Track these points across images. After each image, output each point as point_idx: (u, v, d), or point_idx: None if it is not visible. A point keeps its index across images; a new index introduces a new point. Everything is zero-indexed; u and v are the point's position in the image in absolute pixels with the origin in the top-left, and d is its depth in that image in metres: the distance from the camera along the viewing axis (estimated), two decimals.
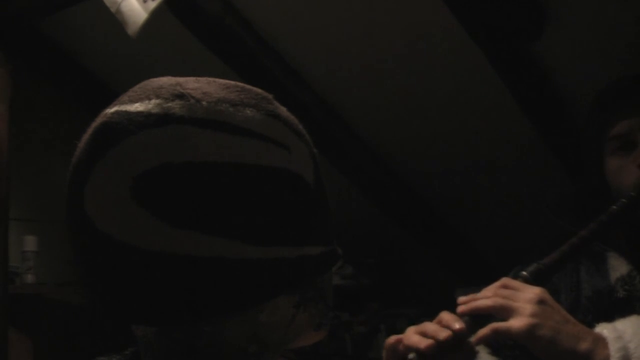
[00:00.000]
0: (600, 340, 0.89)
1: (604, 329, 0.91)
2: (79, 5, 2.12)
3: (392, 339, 0.89)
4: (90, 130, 0.66)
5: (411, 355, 0.85)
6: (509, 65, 2.08)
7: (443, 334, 0.85)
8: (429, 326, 0.87)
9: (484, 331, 0.88)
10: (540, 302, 0.89)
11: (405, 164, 2.73)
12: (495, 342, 1.09)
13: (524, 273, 0.95)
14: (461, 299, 0.91)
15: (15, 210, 2.35)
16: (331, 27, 2.19)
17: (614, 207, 1.06)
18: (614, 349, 0.87)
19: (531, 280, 0.94)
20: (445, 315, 0.88)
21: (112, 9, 1.79)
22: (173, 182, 0.62)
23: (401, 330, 0.91)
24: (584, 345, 0.87)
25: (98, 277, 0.65)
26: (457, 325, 0.86)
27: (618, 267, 1.16)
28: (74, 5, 2.14)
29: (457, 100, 2.35)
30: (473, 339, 0.88)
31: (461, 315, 0.89)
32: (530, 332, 0.86)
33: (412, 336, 0.86)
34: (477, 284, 0.99)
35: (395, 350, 0.88)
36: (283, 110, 0.70)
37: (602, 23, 1.91)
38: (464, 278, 3.05)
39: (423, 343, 0.84)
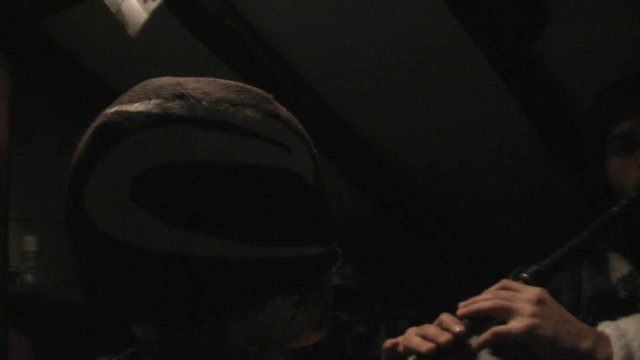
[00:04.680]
0: (603, 339, 0.88)
1: (606, 327, 0.90)
2: (79, 5, 2.12)
3: (390, 342, 0.89)
4: (90, 130, 0.66)
5: (411, 358, 0.85)
6: (509, 66, 2.08)
7: (444, 337, 0.84)
8: (430, 329, 0.87)
9: (484, 336, 0.88)
10: (540, 301, 0.89)
11: (406, 163, 2.73)
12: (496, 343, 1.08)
13: (524, 275, 0.95)
14: (462, 304, 0.91)
15: (15, 210, 2.35)
16: (331, 27, 2.19)
17: (615, 208, 1.06)
18: (616, 347, 0.87)
19: (531, 282, 0.94)
20: (446, 318, 0.88)
21: (113, 9, 1.79)
22: (173, 182, 0.61)
23: (402, 331, 0.90)
24: (585, 344, 0.87)
25: (98, 277, 0.65)
26: (458, 327, 0.86)
27: (619, 268, 1.16)
28: (74, 5, 2.14)
29: (458, 100, 2.35)
30: (475, 344, 0.88)
31: (461, 318, 0.88)
32: (530, 333, 0.86)
33: (412, 338, 0.86)
34: (478, 284, 0.99)
35: (394, 352, 0.88)
36: (283, 110, 0.70)
37: (603, 23, 1.91)
38: (464, 278, 3.05)
39: (424, 346, 0.84)
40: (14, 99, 2.24)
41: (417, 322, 0.91)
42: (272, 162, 0.65)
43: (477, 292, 0.94)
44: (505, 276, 0.99)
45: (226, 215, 0.62)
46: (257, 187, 0.64)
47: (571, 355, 0.86)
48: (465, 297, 0.93)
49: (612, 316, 0.95)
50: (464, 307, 0.90)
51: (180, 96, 0.65)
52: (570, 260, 1.01)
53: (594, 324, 0.93)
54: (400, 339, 0.88)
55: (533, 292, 0.90)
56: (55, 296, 2.55)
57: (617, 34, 1.93)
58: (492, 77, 2.13)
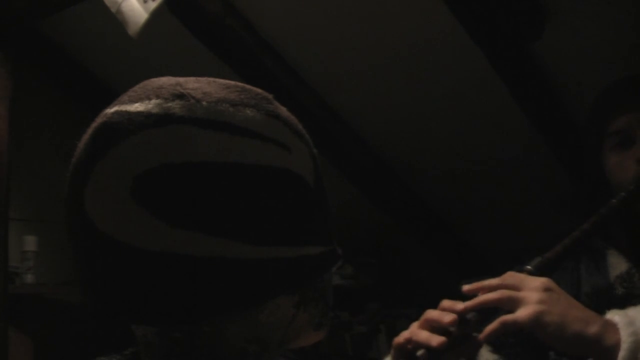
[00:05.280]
0: (610, 325, 0.88)
1: (615, 315, 0.90)
2: (79, 5, 2.12)
3: (402, 338, 0.88)
4: (90, 130, 0.66)
5: (420, 352, 0.84)
6: (509, 65, 2.08)
7: (452, 328, 0.84)
8: (437, 321, 0.87)
9: (492, 326, 0.87)
10: (546, 289, 0.89)
11: (406, 163, 2.73)
12: (496, 340, 1.09)
13: (528, 267, 0.95)
14: (466, 287, 0.91)
15: (15, 210, 2.35)
16: (331, 27, 2.19)
17: (614, 200, 1.07)
18: (625, 333, 0.86)
19: (535, 273, 0.94)
20: (446, 303, 0.89)
21: (113, 9, 1.79)
22: (173, 182, 0.62)
23: (401, 331, 0.90)
24: (593, 329, 0.86)
25: (98, 277, 0.65)
26: (459, 306, 0.86)
27: (617, 265, 1.16)
28: (74, 5, 2.14)
29: (458, 100, 2.35)
30: (482, 334, 0.88)
31: (467, 311, 0.88)
32: (537, 319, 0.86)
33: (420, 332, 0.86)
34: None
35: (404, 348, 0.88)
36: (283, 110, 0.70)
37: (603, 23, 1.91)
38: (464, 278, 3.05)
39: (434, 340, 0.84)
40: (14, 99, 2.24)
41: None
42: (272, 162, 0.65)
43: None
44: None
45: (226, 215, 0.62)
46: (257, 187, 0.64)
47: (578, 341, 0.86)
48: (465, 297, 0.93)
49: None
50: (469, 301, 0.90)
51: (180, 96, 0.65)
52: (572, 252, 1.02)
53: None
54: (407, 333, 0.88)
55: (539, 280, 0.90)
56: (55, 296, 2.54)
57: (616, 34, 1.93)
58: (492, 77, 2.13)
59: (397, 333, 0.91)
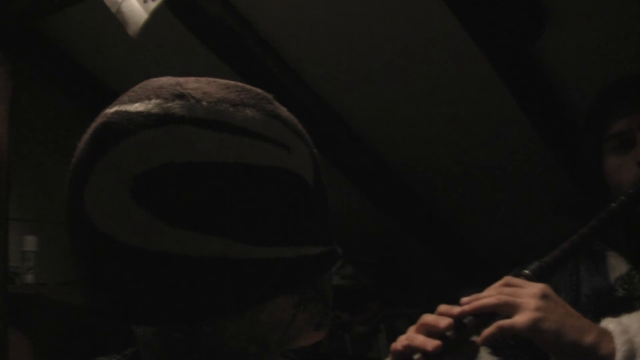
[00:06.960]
0: (606, 334, 0.89)
1: (609, 323, 0.91)
2: (79, 5, 2.12)
3: (400, 345, 0.88)
4: (90, 130, 0.66)
5: (416, 356, 0.85)
6: (509, 66, 2.08)
7: (448, 332, 0.85)
8: (433, 325, 0.87)
9: (489, 330, 0.88)
10: (544, 296, 0.89)
11: (405, 164, 2.73)
12: (496, 342, 1.09)
13: (526, 271, 0.96)
14: (464, 299, 0.91)
15: (15, 210, 2.35)
16: (332, 27, 2.19)
17: (613, 204, 1.07)
18: (619, 342, 0.87)
19: (533, 278, 0.94)
20: (443, 308, 0.89)
21: (113, 9, 1.79)
22: (173, 182, 0.62)
23: (401, 331, 0.90)
24: (589, 338, 0.87)
25: (98, 277, 0.65)
26: (457, 310, 0.87)
27: (618, 267, 1.16)
28: (74, 5, 2.14)
29: (457, 100, 2.35)
30: (479, 338, 0.88)
31: (465, 315, 0.88)
32: (534, 326, 0.86)
33: (416, 337, 0.86)
34: (478, 285, 0.99)
35: (402, 353, 0.88)
36: (283, 110, 0.70)
37: (603, 23, 1.91)
38: (464, 278, 3.05)
39: (430, 344, 0.84)
40: (14, 99, 2.24)
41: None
42: (272, 162, 0.65)
43: (477, 291, 0.94)
44: (505, 275, 0.99)
45: (226, 215, 0.62)
46: (257, 187, 0.64)
47: (574, 349, 0.87)
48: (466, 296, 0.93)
49: (611, 315, 0.96)
50: (467, 304, 0.90)
51: (180, 96, 0.65)
52: (571, 257, 1.02)
53: (593, 322, 0.93)
54: (404, 339, 0.88)
55: (537, 287, 0.91)
56: (55, 296, 2.55)
57: (617, 34, 1.93)
58: (492, 77, 2.13)
59: (397, 333, 0.91)
